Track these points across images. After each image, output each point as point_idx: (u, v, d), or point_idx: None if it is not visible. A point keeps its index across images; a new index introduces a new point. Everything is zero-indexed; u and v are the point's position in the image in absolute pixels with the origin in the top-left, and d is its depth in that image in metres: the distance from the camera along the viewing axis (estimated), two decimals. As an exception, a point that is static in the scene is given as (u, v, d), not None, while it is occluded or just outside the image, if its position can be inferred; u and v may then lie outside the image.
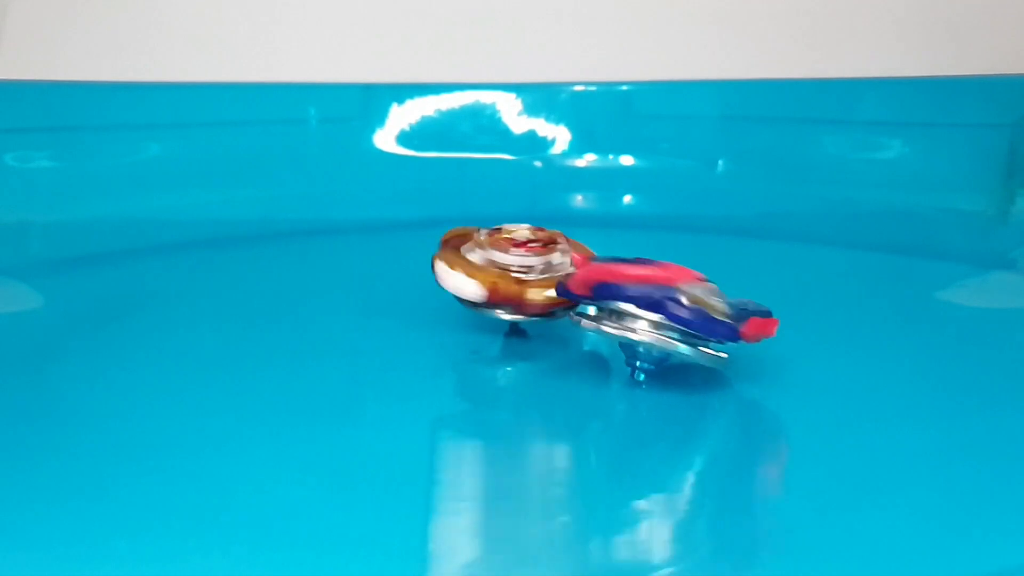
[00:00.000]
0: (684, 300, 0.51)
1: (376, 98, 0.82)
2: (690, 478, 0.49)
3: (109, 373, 0.56)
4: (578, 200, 0.81)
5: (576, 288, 0.53)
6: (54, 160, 0.79)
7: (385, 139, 0.81)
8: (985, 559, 0.42)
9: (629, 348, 0.53)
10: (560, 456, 0.51)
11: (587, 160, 0.82)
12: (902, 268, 0.73)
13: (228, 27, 0.81)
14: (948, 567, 0.42)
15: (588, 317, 0.53)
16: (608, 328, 0.52)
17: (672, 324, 0.51)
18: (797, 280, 0.70)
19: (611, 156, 0.82)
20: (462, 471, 0.49)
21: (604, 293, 0.52)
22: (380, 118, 0.81)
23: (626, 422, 0.53)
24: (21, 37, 0.79)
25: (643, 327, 0.52)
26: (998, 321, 0.66)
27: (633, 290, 0.52)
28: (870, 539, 0.43)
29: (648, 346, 0.52)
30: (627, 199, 0.81)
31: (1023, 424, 0.52)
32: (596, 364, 0.57)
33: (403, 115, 0.82)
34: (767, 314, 0.52)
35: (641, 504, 0.46)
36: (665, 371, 0.53)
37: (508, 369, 0.57)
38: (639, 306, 0.51)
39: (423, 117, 0.82)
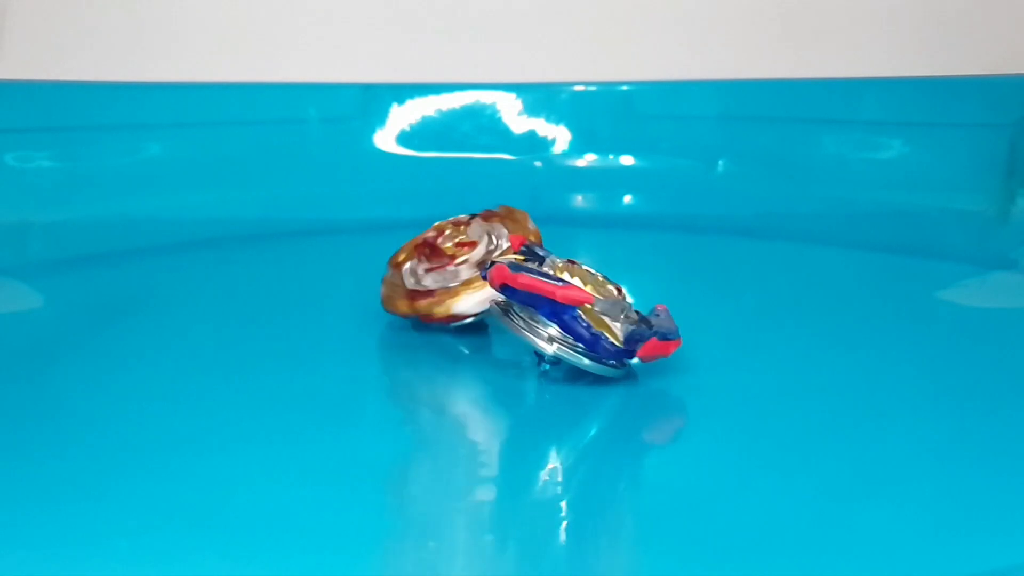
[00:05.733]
0: (584, 321, 0.52)
1: (376, 98, 0.82)
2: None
3: (109, 373, 0.56)
4: (578, 200, 0.81)
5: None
6: (54, 160, 0.79)
7: (385, 139, 0.81)
8: (985, 558, 0.42)
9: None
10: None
11: (587, 160, 0.82)
12: (902, 268, 0.73)
13: (228, 27, 0.81)
14: (948, 566, 0.42)
15: (504, 311, 0.54)
16: (520, 330, 0.53)
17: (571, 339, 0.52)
18: (797, 280, 0.70)
19: (611, 156, 0.82)
20: (459, 470, 0.49)
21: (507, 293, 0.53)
22: (380, 118, 0.81)
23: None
24: (21, 37, 0.79)
25: (551, 334, 0.52)
26: (998, 321, 0.66)
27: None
28: (869, 538, 0.43)
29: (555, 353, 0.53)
30: (627, 199, 0.81)
31: (1023, 424, 0.52)
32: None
33: (403, 115, 0.82)
34: (670, 336, 0.53)
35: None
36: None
37: (508, 370, 0.57)
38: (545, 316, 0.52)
39: (423, 117, 0.82)
